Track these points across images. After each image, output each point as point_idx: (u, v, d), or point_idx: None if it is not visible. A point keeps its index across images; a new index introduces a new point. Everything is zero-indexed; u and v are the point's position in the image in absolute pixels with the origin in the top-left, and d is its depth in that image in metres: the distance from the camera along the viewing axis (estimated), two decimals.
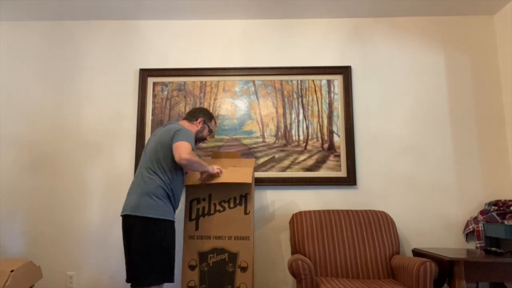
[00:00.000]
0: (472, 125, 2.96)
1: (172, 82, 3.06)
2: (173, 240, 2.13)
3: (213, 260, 2.40)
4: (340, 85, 3.02)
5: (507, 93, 2.94)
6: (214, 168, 2.33)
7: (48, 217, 2.90)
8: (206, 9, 3.01)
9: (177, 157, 2.08)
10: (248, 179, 2.37)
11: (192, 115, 2.44)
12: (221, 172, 2.39)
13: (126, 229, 2.07)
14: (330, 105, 3.01)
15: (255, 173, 2.86)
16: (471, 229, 2.72)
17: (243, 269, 2.34)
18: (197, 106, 2.99)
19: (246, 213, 2.42)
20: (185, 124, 2.39)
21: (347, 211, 2.72)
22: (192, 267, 2.42)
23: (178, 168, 2.18)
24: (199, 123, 2.42)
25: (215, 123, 2.62)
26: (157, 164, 2.13)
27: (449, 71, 3.04)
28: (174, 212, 2.19)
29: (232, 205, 2.44)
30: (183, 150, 2.08)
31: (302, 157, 2.93)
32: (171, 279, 2.06)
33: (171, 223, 2.12)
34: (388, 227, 2.64)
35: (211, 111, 2.86)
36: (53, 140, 3.00)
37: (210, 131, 2.50)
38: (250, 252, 2.35)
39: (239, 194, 2.45)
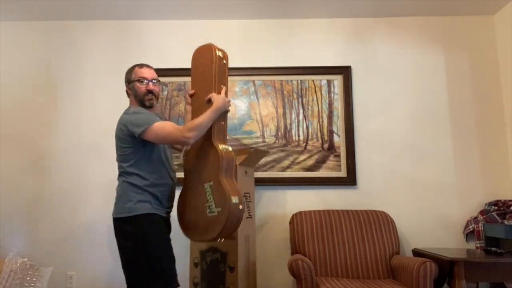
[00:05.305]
0: (472, 125, 2.96)
1: (172, 82, 3.06)
2: None
3: (209, 259, 2.43)
4: (340, 85, 3.02)
5: (507, 93, 2.94)
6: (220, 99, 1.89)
7: (48, 217, 2.90)
8: (206, 9, 3.01)
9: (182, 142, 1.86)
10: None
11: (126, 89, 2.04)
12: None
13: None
14: (330, 105, 3.01)
15: (255, 173, 2.85)
16: (471, 229, 2.71)
17: (231, 270, 2.33)
18: None
19: None
20: (132, 103, 2.06)
21: (347, 211, 2.72)
22: (195, 264, 2.52)
23: None
24: (129, 89, 2.02)
25: (142, 66, 1.99)
26: None
27: (449, 71, 3.04)
28: None
29: None
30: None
31: (302, 157, 2.93)
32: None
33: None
34: (388, 227, 2.64)
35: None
36: (53, 140, 2.99)
37: (143, 80, 1.94)
38: (237, 252, 2.32)
39: None
